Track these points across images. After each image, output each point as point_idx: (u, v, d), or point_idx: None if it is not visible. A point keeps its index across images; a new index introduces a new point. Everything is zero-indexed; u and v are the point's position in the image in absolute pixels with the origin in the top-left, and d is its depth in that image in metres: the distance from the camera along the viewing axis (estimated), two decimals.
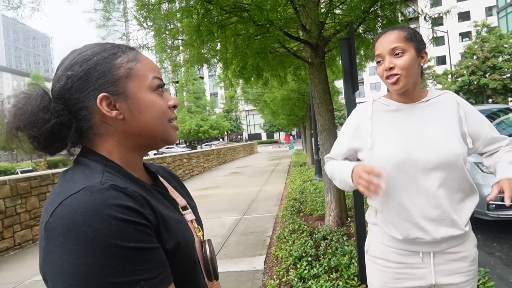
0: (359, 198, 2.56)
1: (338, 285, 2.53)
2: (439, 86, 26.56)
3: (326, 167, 1.35)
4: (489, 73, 22.14)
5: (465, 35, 42.52)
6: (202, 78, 50.45)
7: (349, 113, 2.53)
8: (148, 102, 0.64)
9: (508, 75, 21.84)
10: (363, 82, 51.53)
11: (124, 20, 4.13)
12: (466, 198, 1.14)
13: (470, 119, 1.17)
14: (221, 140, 50.51)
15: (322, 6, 3.75)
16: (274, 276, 2.98)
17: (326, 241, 3.49)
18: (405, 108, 1.19)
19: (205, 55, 4.31)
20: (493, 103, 21.32)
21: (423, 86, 1.32)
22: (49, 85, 0.65)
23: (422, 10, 3.81)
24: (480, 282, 2.42)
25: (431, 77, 28.71)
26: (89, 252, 0.47)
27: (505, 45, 21.91)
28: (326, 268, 2.82)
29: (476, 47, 23.10)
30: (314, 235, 3.71)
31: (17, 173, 18.72)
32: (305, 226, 4.13)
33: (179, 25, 3.92)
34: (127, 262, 0.49)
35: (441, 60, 41.89)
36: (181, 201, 0.76)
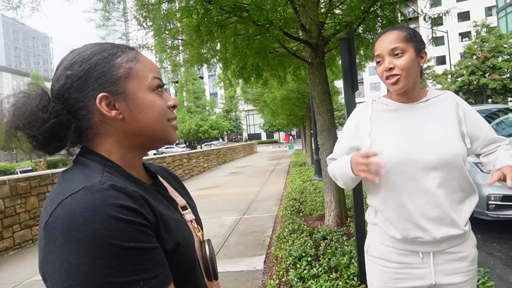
0: (359, 198, 2.56)
1: (337, 285, 2.53)
2: (439, 86, 26.58)
3: (328, 169, 1.34)
4: (488, 73, 22.16)
5: (464, 35, 42.55)
6: (202, 78, 50.46)
7: (348, 113, 2.54)
8: (148, 102, 0.64)
9: (508, 75, 21.86)
10: (362, 82, 51.56)
11: (123, 20, 4.13)
12: (466, 198, 1.14)
13: (469, 120, 1.17)
14: (220, 140, 50.50)
15: (322, 6, 3.75)
16: (274, 276, 2.98)
17: (325, 241, 3.49)
18: (404, 108, 1.19)
19: (205, 55, 4.31)
20: (492, 103, 21.33)
21: (422, 86, 1.32)
22: (48, 85, 0.65)
23: (421, 10, 3.81)
24: (480, 282, 2.42)
25: (430, 77, 28.73)
26: (89, 252, 0.47)
27: (504, 45, 21.93)
28: (325, 268, 2.82)
29: (475, 47, 23.12)
30: (313, 235, 3.71)
31: (17, 173, 18.71)
32: (305, 226, 4.13)
33: (178, 25, 3.92)
34: (126, 262, 0.49)
35: (441, 60, 41.92)
36: (180, 201, 0.76)
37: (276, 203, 6.38)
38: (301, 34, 4.26)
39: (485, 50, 22.35)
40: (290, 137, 38.49)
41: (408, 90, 1.17)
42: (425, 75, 26.85)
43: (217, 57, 4.32)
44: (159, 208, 0.60)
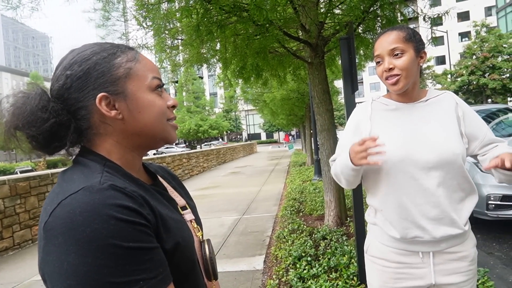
0: (358, 198, 2.56)
1: (337, 285, 2.53)
2: (439, 86, 26.60)
3: (331, 171, 1.32)
4: (488, 73, 22.17)
5: (464, 35, 42.58)
6: (202, 78, 50.45)
7: (348, 113, 2.54)
8: (147, 102, 0.64)
9: (507, 75, 21.87)
10: (362, 82, 51.58)
11: (123, 19, 4.13)
12: (466, 197, 1.14)
13: (468, 120, 1.17)
14: (220, 140, 50.49)
15: (321, 6, 3.75)
16: (274, 276, 2.98)
17: (325, 241, 3.49)
18: (404, 107, 1.19)
19: (205, 55, 4.31)
20: (492, 103, 21.35)
21: (422, 86, 1.32)
22: (48, 85, 0.65)
23: (421, 10, 3.81)
24: (480, 281, 2.43)
25: (430, 77, 28.75)
26: (88, 252, 0.47)
27: (504, 45, 21.94)
28: (325, 268, 2.82)
29: (475, 47, 23.13)
30: (313, 235, 3.71)
31: (16, 173, 18.71)
32: (305, 226, 4.13)
33: (178, 24, 3.92)
34: (126, 262, 0.49)
35: (441, 60, 41.94)
36: (180, 201, 0.76)
37: (276, 203, 6.38)
38: (301, 34, 4.26)
39: (485, 50, 22.36)
40: (290, 137, 38.49)
41: (408, 90, 1.17)
42: (425, 75, 26.86)
43: (216, 57, 4.32)
44: (159, 208, 0.60)
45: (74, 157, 0.64)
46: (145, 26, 3.70)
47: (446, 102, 1.19)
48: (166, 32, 3.93)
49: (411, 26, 1.33)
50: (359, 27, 3.78)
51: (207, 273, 0.72)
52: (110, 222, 0.49)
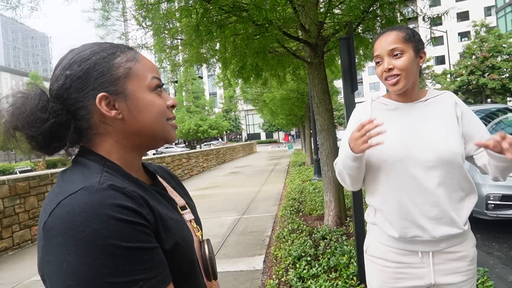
0: (358, 198, 2.56)
1: (337, 284, 2.53)
2: (438, 86, 26.61)
3: (336, 173, 1.30)
4: (488, 73, 22.18)
5: (464, 35, 42.61)
6: (201, 77, 50.43)
7: (348, 112, 2.54)
8: (147, 102, 0.64)
9: (507, 75, 21.88)
10: (362, 82, 51.60)
11: (123, 19, 4.13)
12: (466, 197, 1.14)
13: (466, 120, 1.17)
14: (220, 140, 50.49)
15: (321, 6, 3.75)
16: (273, 276, 2.98)
17: (325, 240, 3.49)
18: (403, 107, 1.20)
19: (204, 55, 4.31)
20: (492, 103, 21.38)
21: (422, 86, 1.32)
22: (47, 85, 0.65)
23: (421, 10, 3.81)
24: (479, 281, 2.43)
25: (430, 77, 28.76)
26: (88, 252, 0.47)
27: (504, 45, 21.95)
28: (325, 267, 2.82)
29: (475, 47, 23.14)
30: (313, 235, 3.71)
31: (16, 173, 18.70)
32: (304, 226, 4.13)
33: (178, 24, 3.92)
34: (125, 262, 0.49)
35: (440, 60, 41.97)
36: (180, 201, 0.76)
37: (276, 203, 6.38)
38: (300, 34, 4.26)
39: (484, 50, 22.37)
40: (290, 137, 38.51)
41: (408, 90, 1.17)
42: (424, 75, 26.87)
43: (216, 56, 4.32)
44: (158, 208, 0.60)
45: (73, 157, 0.64)
46: (144, 26, 3.70)
47: (446, 102, 1.19)
48: (166, 32, 3.93)
49: (411, 26, 1.33)
50: (359, 27, 3.78)
51: (207, 273, 0.72)
52: (109, 222, 0.49)
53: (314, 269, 2.81)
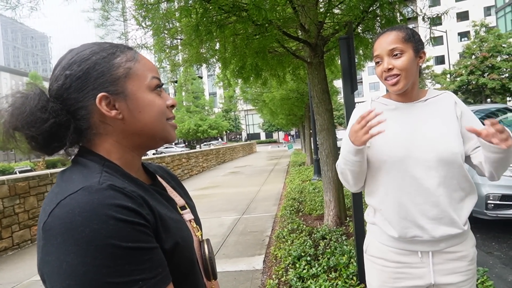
0: (358, 198, 2.56)
1: (337, 284, 2.54)
2: (438, 86, 26.62)
3: (338, 173, 1.29)
4: (487, 73, 22.18)
5: (463, 35, 42.64)
6: (201, 77, 50.42)
7: (348, 112, 2.54)
8: (147, 102, 0.64)
9: (507, 74, 21.89)
10: (362, 82, 51.61)
11: (122, 19, 4.13)
12: (466, 197, 1.14)
13: (465, 120, 1.17)
14: (220, 139, 50.49)
15: (321, 5, 3.75)
16: (273, 276, 2.98)
17: (325, 240, 3.49)
18: (403, 107, 1.20)
19: (204, 55, 4.31)
20: (491, 103, 21.38)
21: (421, 86, 1.32)
22: (47, 85, 0.65)
23: (420, 10, 3.81)
24: (479, 281, 2.43)
25: (429, 77, 28.77)
26: (87, 252, 0.47)
27: (503, 45, 21.96)
28: (325, 267, 2.82)
29: (474, 47, 23.14)
30: (313, 235, 3.71)
31: (16, 173, 18.70)
32: (304, 226, 4.13)
33: (177, 24, 3.92)
34: (125, 262, 0.49)
35: (440, 60, 41.99)
36: (179, 200, 0.76)
37: (275, 203, 6.38)
38: (300, 33, 4.26)
39: (484, 50, 22.38)
40: (289, 137, 38.50)
41: (407, 90, 1.17)
42: (424, 75, 26.88)
43: (216, 56, 4.32)
44: (158, 208, 0.60)
45: (73, 157, 0.64)
46: (144, 25, 3.70)
47: (445, 102, 1.19)
48: (165, 31, 3.93)
49: (411, 26, 1.33)
50: (359, 27, 3.78)
51: (207, 273, 0.72)
52: (109, 222, 0.49)
53: (314, 269, 2.81)
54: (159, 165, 0.85)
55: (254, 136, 58.65)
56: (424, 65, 1.36)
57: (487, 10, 41.07)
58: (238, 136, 58.20)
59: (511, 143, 0.98)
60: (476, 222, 3.90)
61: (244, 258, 3.64)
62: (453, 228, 1.10)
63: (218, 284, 0.79)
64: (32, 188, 5.01)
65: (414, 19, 4.32)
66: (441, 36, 32.09)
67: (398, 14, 3.58)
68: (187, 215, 0.75)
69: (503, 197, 3.61)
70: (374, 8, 3.39)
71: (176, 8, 3.52)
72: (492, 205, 3.66)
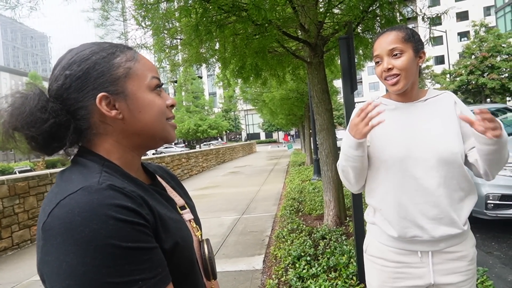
0: (358, 198, 2.56)
1: (337, 284, 2.54)
2: (438, 85, 26.63)
3: (339, 173, 1.29)
4: (487, 73, 22.19)
5: (463, 34, 42.65)
6: (201, 77, 50.40)
7: (347, 112, 2.54)
8: (148, 102, 0.64)
9: (506, 74, 21.90)
10: (361, 82, 51.61)
11: (122, 19, 4.13)
12: (465, 197, 1.14)
13: None
14: (219, 139, 50.49)
15: (321, 5, 3.75)
16: (273, 276, 2.98)
17: (325, 240, 3.49)
18: (403, 107, 1.20)
19: (204, 55, 4.31)
20: (491, 103, 21.40)
21: (421, 86, 1.32)
22: (47, 85, 0.65)
23: (420, 10, 3.81)
24: (479, 281, 2.43)
25: (429, 77, 28.78)
26: (87, 252, 0.47)
27: (503, 45, 21.97)
28: (325, 267, 2.82)
29: (474, 46, 23.15)
30: (313, 235, 3.71)
31: (15, 173, 18.69)
32: (304, 226, 4.13)
33: (177, 24, 3.92)
34: (125, 262, 0.49)
35: (440, 60, 42.00)
36: (179, 200, 0.76)
37: (275, 203, 6.38)
38: (300, 33, 4.26)
39: (484, 49, 22.39)
40: (289, 136, 38.51)
41: (407, 90, 1.17)
42: (424, 75, 26.87)
43: (216, 56, 4.32)
44: (158, 208, 0.60)
45: (72, 157, 0.64)
46: (144, 25, 3.70)
47: (445, 102, 1.19)
48: (165, 31, 3.93)
49: (410, 26, 1.33)
50: (358, 27, 3.78)
51: (206, 273, 0.72)
52: (108, 222, 0.49)
53: (313, 269, 2.81)
54: (159, 165, 0.85)
55: (254, 136, 58.65)
56: (423, 65, 1.36)
57: (487, 10, 41.09)
58: (238, 136, 58.20)
59: (498, 134, 0.97)
60: (476, 222, 3.91)
61: (244, 258, 3.64)
62: (453, 228, 1.10)
63: (218, 284, 0.79)
64: (32, 188, 5.01)
65: (414, 19, 4.32)
66: (441, 36, 32.10)
67: (398, 14, 3.59)
68: (187, 215, 0.75)
69: (503, 197, 3.61)
70: (374, 8, 3.39)
71: (175, 8, 3.52)
72: (492, 205, 3.66)
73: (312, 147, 9.75)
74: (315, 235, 3.65)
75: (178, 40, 4.36)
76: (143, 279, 0.50)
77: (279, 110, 12.66)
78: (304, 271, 2.80)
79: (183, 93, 39.46)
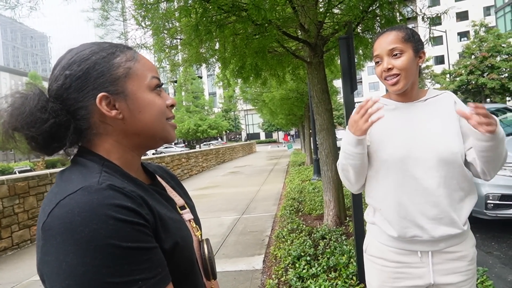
0: (357, 198, 2.56)
1: (336, 284, 2.54)
2: (438, 85, 26.64)
3: (339, 172, 1.28)
4: (487, 73, 22.20)
5: (463, 34, 42.66)
6: (201, 77, 50.38)
7: (347, 112, 2.54)
8: (148, 102, 0.64)
9: (506, 74, 21.91)
10: (361, 82, 51.61)
11: (122, 19, 4.13)
12: (465, 197, 1.14)
13: (464, 119, 1.16)
14: (219, 139, 50.48)
15: (320, 5, 3.75)
16: (273, 276, 2.98)
17: (324, 240, 3.49)
18: (403, 107, 1.20)
19: (204, 55, 4.31)
20: (491, 103, 21.40)
21: (421, 86, 1.32)
22: (47, 85, 0.65)
23: (420, 10, 3.81)
24: (479, 281, 2.43)
25: (429, 77, 28.79)
26: (87, 252, 0.47)
27: (503, 45, 21.98)
28: (324, 267, 2.82)
29: (474, 46, 23.16)
30: (312, 235, 3.71)
31: (15, 173, 18.69)
32: (304, 226, 4.13)
33: (177, 24, 3.92)
34: (124, 262, 0.49)
35: (440, 60, 42.01)
36: (179, 200, 0.76)
37: (275, 203, 6.38)
38: (300, 33, 4.26)
39: (484, 49, 22.40)
40: (289, 136, 38.51)
41: (407, 90, 1.17)
42: (424, 75, 26.88)
43: (216, 56, 4.32)
44: (158, 208, 0.60)
45: (72, 157, 0.64)
46: (144, 25, 3.70)
47: (445, 102, 1.19)
48: (165, 31, 3.93)
49: (410, 26, 1.33)
50: (358, 27, 3.78)
51: (206, 273, 0.72)
52: (108, 222, 0.49)
53: (313, 268, 2.81)
54: (159, 165, 0.85)
55: (253, 136, 58.65)
56: (423, 65, 1.35)
57: (487, 10, 41.09)
58: (237, 136, 58.19)
59: (491, 129, 0.97)
60: (476, 222, 3.91)
61: (244, 258, 3.64)
62: (453, 228, 1.10)
63: (217, 284, 0.79)
64: (32, 188, 5.01)
65: (414, 19, 4.32)
66: (441, 36, 32.11)
67: (397, 14, 3.59)
68: (187, 215, 0.75)
69: (503, 197, 3.61)
70: (374, 8, 3.39)
71: (175, 8, 3.52)
72: (492, 205, 3.66)
73: (312, 147, 9.75)
74: (315, 235, 3.65)
75: (178, 40, 4.36)
76: (143, 279, 0.50)
77: (279, 110, 12.66)
78: (304, 271, 2.80)
79: (183, 93, 39.45)
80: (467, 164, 1.17)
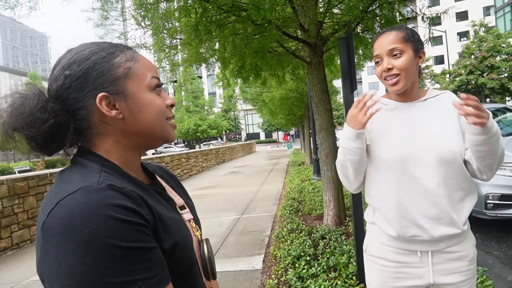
0: (357, 197, 2.56)
1: (336, 284, 2.54)
2: (437, 85, 26.65)
3: (338, 170, 1.28)
4: (487, 73, 22.21)
5: (463, 34, 42.67)
6: (201, 77, 50.35)
7: (347, 112, 2.53)
8: (148, 102, 0.64)
9: (506, 74, 21.91)
10: (361, 82, 51.64)
11: (122, 19, 4.12)
12: (465, 197, 1.14)
13: (463, 118, 1.17)
14: (219, 139, 50.47)
15: (320, 5, 3.75)
16: (273, 276, 2.98)
17: (324, 240, 3.50)
18: (403, 107, 1.20)
19: (204, 55, 4.31)
20: (491, 103, 21.41)
21: (421, 86, 1.32)
22: (46, 85, 0.65)
23: (420, 10, 3.81)
24: (478, 280, 2.43)
25: (429, 77, 28.79)
26: (86, 252, 0.47)
27: (502, 45, 21.98)
28: (324, 267, 2.82)
29: (474, 46, 23.16)
30: (312, 235, 3.71)
31: (15, 173, 18.68)
32: (304, 226, 4.13)
33: (177, 24, 3.92)
34: (124, 262, 0.49)
35: (439, 60, 42.02)
36: (178, 200, 0.76)
37: (275, 203, 6.38)
38: (299, 33, 4.26)
39: (483, 49, 22.40)
40: (289, 136, 38.52)
41: (407, 90, 1.17)
42: (424, 75, 26.89)
43: (215, 56, 4.32)
44: (157, 208, 0.60)
45: (72, 157, 0.64)
46: (143, 25, 3.70)
47: (445, 101, 1.19)
48: (165, 31, 3.93)
49: (410, 25, 1.33)
50: (358, 27, 3.78)
51: (206, 273, 0.72)
52: (108, 222, 0.49)
53: (313, 268, 2.81)
54: (158, 165, 0.85)
55: (253, 136, 58.65)
56: (423, 65, 1.35)
57: (487, 10, 41.11)
58: (237, 136, 58.19)
59: (481, 122, 0.97)
60: (476, 222, 3.91)
61: (244, 258, 3.65)
62: (453, 228, 1.10)
63: (217, 284, 0.79)
64: (31, 188, 5.01)
65: (414, 19, 4.32)
66: (441, 36, 32.14)
67: (397, 14, 3.59)
68: (186, 214, 0.75)
69: (503, 196, 3.61)
70: (374, 8, 3.39)
71: (175, 7, 3.52)
72: (492, 204, 3.66)
73: (312, 147, 9.75)
74: (314, 235, 3.65)
75: (178, 40, 4.36)
76: (143, 279, 0.50)
77: (278, 110, 12.66)
78: (304, 271, 2.80)
79: (182, 93, 39.42)
80: (465, 163, 1.17)
